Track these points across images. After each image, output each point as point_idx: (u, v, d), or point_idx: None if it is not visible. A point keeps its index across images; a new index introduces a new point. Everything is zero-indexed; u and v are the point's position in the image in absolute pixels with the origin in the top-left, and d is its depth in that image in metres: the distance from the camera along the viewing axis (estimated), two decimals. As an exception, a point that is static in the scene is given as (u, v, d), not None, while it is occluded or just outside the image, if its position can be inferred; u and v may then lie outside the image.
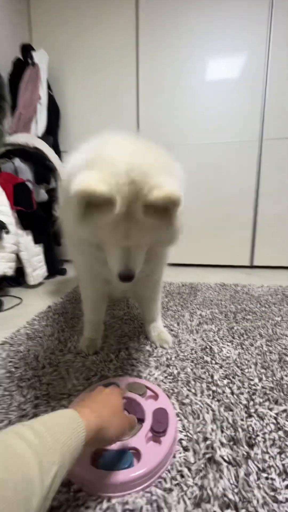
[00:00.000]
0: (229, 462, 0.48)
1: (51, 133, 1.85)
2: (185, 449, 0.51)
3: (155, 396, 0.62)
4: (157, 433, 0.51)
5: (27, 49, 1.77)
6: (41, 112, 1.78)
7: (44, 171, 1.61)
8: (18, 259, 1.43)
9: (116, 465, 0.45)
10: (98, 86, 1.89)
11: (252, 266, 1.88)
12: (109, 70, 1.85)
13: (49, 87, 1.85)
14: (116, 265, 0.53)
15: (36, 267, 1.54)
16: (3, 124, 1.66)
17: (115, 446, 0.49)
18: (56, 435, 0.29)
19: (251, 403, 0.62)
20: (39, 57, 1.79)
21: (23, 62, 1.77)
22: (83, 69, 1.90)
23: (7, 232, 1.25)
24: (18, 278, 1.56)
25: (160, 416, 0.55)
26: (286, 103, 1.65)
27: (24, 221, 1.46)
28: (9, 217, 1.31)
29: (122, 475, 0.44)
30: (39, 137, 1.70)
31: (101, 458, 0.47)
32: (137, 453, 0.48)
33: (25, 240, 1.46)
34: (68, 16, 1.85)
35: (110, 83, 1.86)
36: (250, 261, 1.88)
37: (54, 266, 1.74)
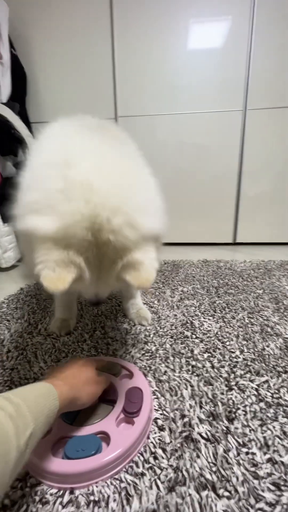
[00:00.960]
0: (207, 439, 0.44)
1: (17, 100, 1.66)
2: (161, 428, 0.46)
3: (130, 375, 0.57)
4: (130, 414, 0.46)
5: (-18, -2, 1.53)
6: (4, 74, 1.58)
7: (10, 141, 1.44)
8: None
9: (81, 453, 0.40)
10: (70, 48, 1.67)
11: (235, 243, 1.85)
12: (81, 30, 1.64)
13: (11, 46, 1.63)
14: (85, 294, 0.53)
15: (7, 248, 1.42)
16: None
17: (80, 432, 0.43)
18: (30, 403, 0.32)
19: (232, 376, 0.58)
20: (-2, 8, 1.55)
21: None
22: (51, 26, 1.67)
23: None
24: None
25: (134, 395, 0.50)
26: (271, 72, 1.55)
27: (-11, 198, 1.32)
28: None
29: (87, 463, 0.39)
30: (3, 103, 1.51)
31: (65, 446, 0.41)
32: (106, 437, 0.43)
33: (-8, 218, 1.33)
34: None
35: (84, 46, 1.65)
36: (233, 238, 1.84)
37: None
